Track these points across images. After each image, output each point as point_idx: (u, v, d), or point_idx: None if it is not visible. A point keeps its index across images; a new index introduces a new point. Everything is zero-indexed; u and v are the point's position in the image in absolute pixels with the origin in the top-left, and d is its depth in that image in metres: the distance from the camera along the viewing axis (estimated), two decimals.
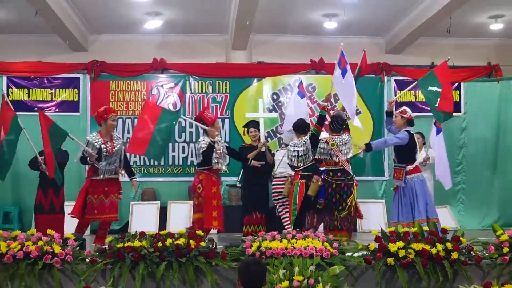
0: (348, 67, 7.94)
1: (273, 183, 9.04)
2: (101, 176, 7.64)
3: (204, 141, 7.98)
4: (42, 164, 8.88)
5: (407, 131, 7.52)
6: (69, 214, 7.63)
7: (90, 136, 7.63)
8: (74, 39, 10.71)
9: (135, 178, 8.35)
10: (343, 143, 7.81)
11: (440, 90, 7.94)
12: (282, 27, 11.21)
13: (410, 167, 7.39)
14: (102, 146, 7.55)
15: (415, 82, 8.37)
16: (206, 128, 8.09)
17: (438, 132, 9.28)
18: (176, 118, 8.41)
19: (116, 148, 7.71)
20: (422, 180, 7.51)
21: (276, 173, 8.98)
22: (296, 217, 7.76)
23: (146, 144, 8.17)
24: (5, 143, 8.69)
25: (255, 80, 11.40)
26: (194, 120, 8.55)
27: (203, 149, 7.92)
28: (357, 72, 8.71)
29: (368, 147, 7.70)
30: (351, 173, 7.82)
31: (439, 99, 7.94)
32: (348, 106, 7.85)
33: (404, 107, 7.74)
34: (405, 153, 7.54)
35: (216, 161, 7.99)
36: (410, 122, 7.65)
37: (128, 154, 9.47)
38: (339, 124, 8.02)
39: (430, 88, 8.10)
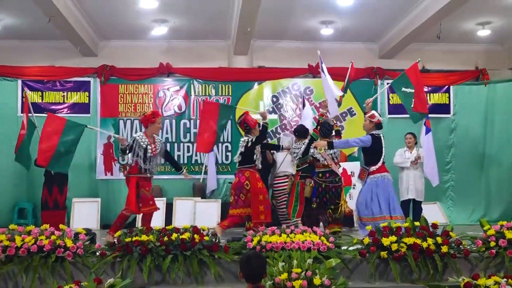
0: (324, 69, 8.36)
1: (274, 181, 9.15)
2: (148, 174, 7.57)
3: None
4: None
5: (372, 134, 7.44)
6: (126, 210, 7.48)
7: (138, 134, 7.53)
8: (85, 45, 10.70)
9: (183, 170, 8.32)
10: None
11: (413, 90, 7.97)
12: (281, 33, 11.20)
13: (373, 168, 7.33)
14: (148, 146, 7.50)
15: (388, 84, 8.36)
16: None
17: (427, 132, 9.27)
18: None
19: (157, 150, 7.66)
20: (386, 180, 7.41)
21: (277, 172, 9.10)
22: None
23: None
24: (26, 138, 8.87)
25: (256, 83, 11.39)
26: (238, 124, 8.53)
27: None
28: (346, 81, 8.73)
29: (330, 145, 7.70)
30: (339, 175, 8.18)
31: (413, 100, 7.95)
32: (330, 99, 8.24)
33: (373, 112, 7.66)
34: (369, 155, 7.51)
35: (255, 159, 8.06)
36: (378, 125, 7.58)
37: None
38: (328, 130, 8.22)
39: (403, 89, 8.17)
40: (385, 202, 7.20)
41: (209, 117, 8.99)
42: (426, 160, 9.14)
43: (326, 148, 7.74)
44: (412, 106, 8.07)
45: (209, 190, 10.71)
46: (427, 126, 9.19)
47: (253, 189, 7.88)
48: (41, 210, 9.23)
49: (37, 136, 9.11)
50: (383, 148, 7.44)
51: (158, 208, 7.81)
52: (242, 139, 8.13)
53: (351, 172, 9.16)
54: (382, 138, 7.50)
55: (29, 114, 9.31)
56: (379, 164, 7.42)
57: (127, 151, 7.54)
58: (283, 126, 11.28)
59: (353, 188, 9.12)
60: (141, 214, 7.63)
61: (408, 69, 8.29)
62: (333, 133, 8.40)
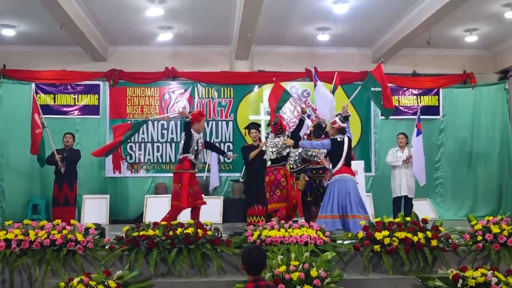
0: (318, 83, 8.33)
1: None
2: (196, 169, 7.81)
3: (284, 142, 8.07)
4: (59, 161, 8.99)
5: (332, 138, 7.36)
6: (175, 204, 7.54)
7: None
8: (95, 50, 10.69)
9: (226, 154, 9.03)
10: None
11: (380, 89, 8.06)
12: (280, 39, 11.19)
13: (334, 170, 7.26)
14: (199, 141, 7.74)
15: (359, 87, 8.37)
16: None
17: (418, 134, 9.28)
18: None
19: (203, 145, 7.97)
20: (343, 181, 7.16)
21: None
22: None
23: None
24: (44, 135, 8.93)
25: (256, 86, 11.38)
26: (273, 125, 8.47)
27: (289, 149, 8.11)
28: (332, 89, 8.75)
29: (295, 143, 7.86)
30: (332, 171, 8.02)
31: (382, 98, 8.05)
32: (322, 111, 8.13)
33: (335, 118, 7.58)
34: (331, 158, 7.46)
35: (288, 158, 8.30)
36: (340, 130, 7.37)
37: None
38: (320, 131, 8.43)
39: (372, 89, 8.22)
40: (338, 202, 7.03)
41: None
42: (415, 161, 9.16)
43: (293, 146, 7.97)
44: (382, 103, 8.12)
45: (211, 187, 10.71)
46: (418, 129, 9.22)
47: (288, 185, 8.07)
48: (52, 206, 9.23)
49: (46, 135, 9.15)
50: (344, 152, 7.23)
51: (205, 202, 8.00)
52: (274, 140, 8.14)
53: (355, 171, 9.07)
54: (345, 141, 7.29)
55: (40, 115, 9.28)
56: (339, 166, 7.23)
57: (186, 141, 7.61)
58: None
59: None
60: (189, 208, 7.72)
61: (374, 70, 8.32)
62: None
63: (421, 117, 11.05)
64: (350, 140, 7.36)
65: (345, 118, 7.61)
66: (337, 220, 6.87)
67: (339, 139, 7.30)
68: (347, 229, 6.73)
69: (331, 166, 7.38)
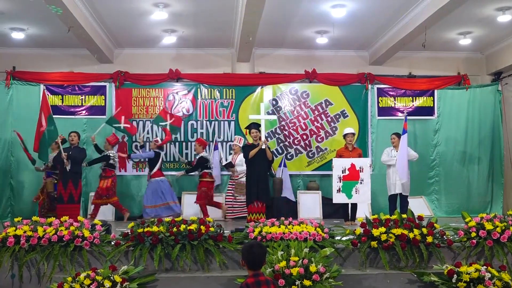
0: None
1: (235, 178, 10.19)
2: None
3: None
4: (65, 159, 8.95)
5: (155, 151, 9.91)
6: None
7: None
8: (102, 52, 10.68)
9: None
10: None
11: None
12: (280, 42, 11.17)
13: (151, 173, 9.80)
14: None
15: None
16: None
17: (403, 133, 9.26)
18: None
19: None
20: (158, 181, 9.79)
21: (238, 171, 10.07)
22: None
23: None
24: (46, 133, 8.84)
25: (257, 87, 11.35)
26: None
27: None
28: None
29: (128, 156, 10.29)
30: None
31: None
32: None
33: (156, 138, 10.39)
34: (150, 164, 9.92)
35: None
36: (160, 147, 10.04)
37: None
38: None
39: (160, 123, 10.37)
40: (155, 195, 9.68)
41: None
42: (398, 158, 9.13)
43: (127, 158, 10.44)
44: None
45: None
46: (404, 128, 9.22)
47: None
48: (56, 204, 9.19)
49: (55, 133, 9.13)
50: (160, 160, 9.90)
51: None
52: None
53: (360, 168, 9.04)
54: (161, 154, 10.05)
55: (49, 114, 9.18)
56: (155, 170, 9.80)
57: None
58: (282, 127, 11.25)
59: (361, 183, 9.01)
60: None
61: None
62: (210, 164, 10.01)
63: (416, 117, 11.11)
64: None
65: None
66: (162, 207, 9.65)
67: (158, 152, 9.99)
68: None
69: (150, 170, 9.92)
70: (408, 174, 9.22)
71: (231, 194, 10.12)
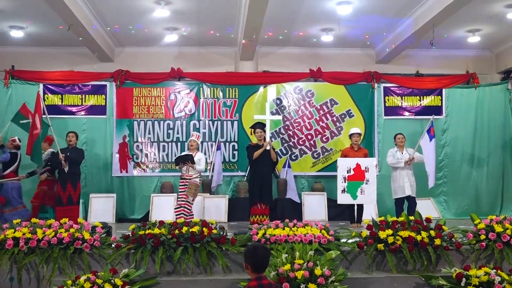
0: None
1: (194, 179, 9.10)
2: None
3: None
4: (63, 160, 8.93)
5: (10, 152, 9.30)
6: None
7: None
8: (102, 51, 10.70)
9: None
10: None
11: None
12: (284, 40, 11.16)
13: (4, 174, 9.25)
14: None
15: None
16: None
17: (431, 138, 9.28)
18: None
19: None
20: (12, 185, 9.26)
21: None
22: None
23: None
24: (40, 136, 8.82)
25: (261, 87, 11.34)
26: None
27: None
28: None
29: None
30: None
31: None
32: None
33: (15, 137, 9.47)
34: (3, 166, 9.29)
35: None
36: (16, 147, 9.40)
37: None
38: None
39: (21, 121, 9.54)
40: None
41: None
42: (427, 165, 9.25)
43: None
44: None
45: (213, 185, 10.68)
46: (431, 134, 9.23)
47: None
48: (55, 206, 9.19)
49: (50, 134, 9.12)
50: (17, 162, 9.36)
51: None
52: None
53: (365, 168, 9.01)
54: (19, 154, 9.38)
55: (43, 115, 9.18)
56: (8, 171, 9.25)
57: None
58: (286, 127, 11.24)
59: (366, 183, 8.98)
60: None
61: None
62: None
63: (423, 117, 11.08)
64: None
65: None
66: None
67: (14, 152, 9.37)
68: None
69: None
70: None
71: (180, 196, 8.75)
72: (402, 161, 9.23)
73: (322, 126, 11.32)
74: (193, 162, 8.70)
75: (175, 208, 8.72)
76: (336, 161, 9.58)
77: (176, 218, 8.46)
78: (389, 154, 9.48)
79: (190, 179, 8.72)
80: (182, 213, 8.50)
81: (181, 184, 8.79)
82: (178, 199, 8.77)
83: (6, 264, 5.44)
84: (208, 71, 11.39)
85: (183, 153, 9.16)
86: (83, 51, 10.85)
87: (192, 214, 8.61)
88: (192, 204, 8.68)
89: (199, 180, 8.87)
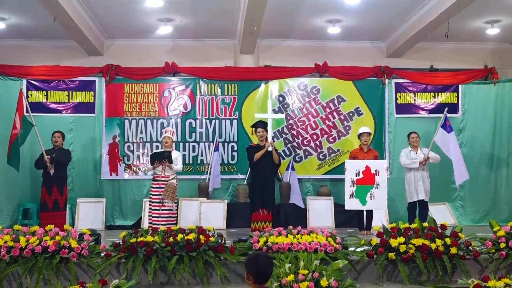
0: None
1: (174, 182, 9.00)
2: None
3: None
4: (48, 162, 8.91)
5: None
6: None
7: None
8: (90, 44, 10.71)
9: None
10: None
11: None
12: (287, 32, 11.17)
13: None
14: None
15: None
16: None
17: (450, 131, 9.32)
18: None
19: None
20: None
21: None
22: None
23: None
24: (19, 137, 8.79)
25: (262, 82, 11.35)
26: None
27: None
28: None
29: None
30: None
31: None
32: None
33: None
34: None
35: None
36: None
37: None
38: None
39: None
40: None
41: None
42: (455, 160, 9.33)
43: None
44: None
45: (210, 189, 10.68)
46: (447, 125, 9.30)
47: None
48: (40, 212, 9.17)
49: (34, 134, 9.09)
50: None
51: None
52: None
53: (376, 171, 8.96)
54: None
55: (26, 114, 9.16)
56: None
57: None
58: (289, 126, 11.24)
59: (376, 187, 8.94)
60: None
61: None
62: None
63: (438, 115, 11.06)
64: None
65: None
66: None
67: None
68: None
69: None
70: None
71: (157, 200, 8.60)
72: (416, 162, 9.24)
73: (329, 125, 11.32)
74: (170, 161, 8.63)
75: (155, 217, 8.57)
76: (343, 163, 9.58)
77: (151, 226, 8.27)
78: (402, 154, 9.49)
79: (167, 180, 8.65)
80: (169, 224, 8.38)
81: (154, 186, 8.71)
82: (153, 204, 8.64)
83: None
84: (205, 65, 11.40)
85: (159, 150, 9.05)
86: (70, 44, 10.85)
87: (169, 220, 8.61)
88: (176, 210, 8.81)
89: (176, 181, 8.84)
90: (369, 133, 9.50)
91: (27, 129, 9.05)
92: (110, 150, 10.93)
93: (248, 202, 9.98)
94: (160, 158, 8.62)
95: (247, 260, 4.14)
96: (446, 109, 9.91)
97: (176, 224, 8.58)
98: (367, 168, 8.99)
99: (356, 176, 9.00)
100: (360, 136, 9.45)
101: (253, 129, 9.16)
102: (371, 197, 8.94)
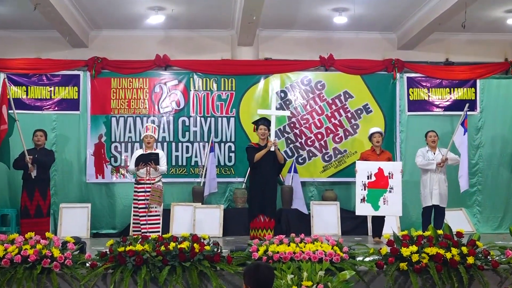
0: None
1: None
2: None
3: None
4: (29, 163, 8.89)
5: None
6: None
7: None
8: (75, 35, 10.70)
9: None
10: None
11: None
12: (290, 22, 11.19)
13: None
14: None
15: None
16: None
17: (465, 132, 9.33)
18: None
19: None
20: None
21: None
22: None
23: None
24: (8, 133, 8.84)
25: (262, 77, 11.35)
26: None
27: None
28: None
29: None
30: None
31: None
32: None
33: None
34: None
35: None
36: None
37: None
38: None
39: None
40: None
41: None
42: (461, 163, 9.26)
43: None
44: None
45: (206, 193, 10.69)
46: (465, 127, 9.26)
47: None
48: (20, 218, 9.16)
49: (16, 131, 9.11)
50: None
51: None
52: None
53: (389, 173, 8.95)
54: None
55: (10, 111, 9.19)
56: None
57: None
58: (292, 125, 11.25)
59: (390, 191, 8.91)
60: None
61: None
62: None
63: (453, 113, 11.08)
64: None
65: None
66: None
67: None
68: None
69: None
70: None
71: (143, 206, 8.73)
72: (433, 163, 9.25)
73: (335, 123, 11.34)
74: (156, 162, 8.71)
75: (142, 225, 8.64)
76: (350, 165, 9.61)
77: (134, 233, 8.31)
78: (418, 154, 9.50)
79: (153, 183, 8.74)
80: (157, 231, 8.47)
81: (139, 191, 8.80)
82: (139, 210, 8.71)
83: None
84: (199, 58, 11.42)
85: (144, 152, 9.02)
86: (52, 34, 10.84)
87: (155, 227, 8.72)
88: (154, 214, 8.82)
89: (162, 184, 8.92)
90: (381, 133, 9.49)
91: (10, 124, 9.06)
92: (96, 150, 10.94)
93: (246, 208, 10.01)
94: (146, 160, 8.68)
95: (246, 271, 4.16)
96: (467, 105, 9.91)
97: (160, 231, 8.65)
98: (380, 170, 8.96)
99: (368, 178, 8.97)
100: (371, 137, 9.45)
101: (255, 126, 9.13)
102: (384, 201, 8.92)
